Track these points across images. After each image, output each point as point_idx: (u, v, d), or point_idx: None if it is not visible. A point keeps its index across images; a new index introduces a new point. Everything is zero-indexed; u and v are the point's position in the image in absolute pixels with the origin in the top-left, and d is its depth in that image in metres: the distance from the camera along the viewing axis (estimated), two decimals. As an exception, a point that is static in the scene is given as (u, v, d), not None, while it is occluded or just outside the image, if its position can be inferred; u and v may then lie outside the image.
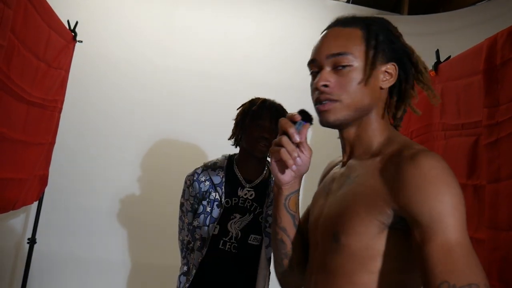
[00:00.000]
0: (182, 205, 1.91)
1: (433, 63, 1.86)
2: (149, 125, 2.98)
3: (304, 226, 1.06)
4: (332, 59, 0.89)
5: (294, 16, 3.37)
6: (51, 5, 1.98)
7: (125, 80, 2.98)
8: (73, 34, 2.40)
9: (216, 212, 1.76)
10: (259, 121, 1.75)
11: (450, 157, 1.68)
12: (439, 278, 0.70)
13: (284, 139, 0.89)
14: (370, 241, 0.80)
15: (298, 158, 0.90)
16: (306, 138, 0.91)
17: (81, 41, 2.47)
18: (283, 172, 0.95)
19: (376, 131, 0.93)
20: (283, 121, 0.92)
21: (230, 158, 1.89)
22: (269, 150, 1.60)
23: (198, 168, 1.86)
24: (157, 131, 2.99)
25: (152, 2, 3.12)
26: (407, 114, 2.02)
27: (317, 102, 0.91)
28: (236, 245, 1.74)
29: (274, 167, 0.95)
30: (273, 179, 1.01)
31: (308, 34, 3.31)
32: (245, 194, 1.78)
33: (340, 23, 0.93)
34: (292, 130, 0.89)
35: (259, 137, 1.73)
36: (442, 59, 1.85)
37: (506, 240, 1.31)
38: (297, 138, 0.89)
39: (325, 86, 0.88)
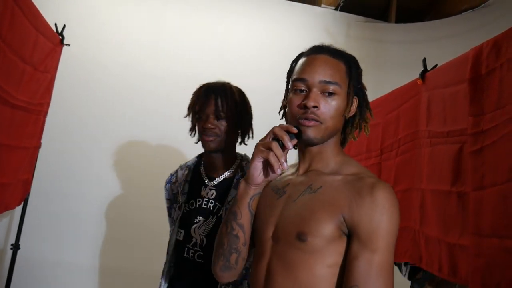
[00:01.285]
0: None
1: (419, 71, 1.88)
2: (137, 128, 2.97)
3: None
4: (323, 85, 1.03)
5: (284, 22, 3.39)
6: (38, 8, 1.96)
7: (114, 83, 2.96)
8: (60, 37, 2.38)
9: (177, 215, 1.63)
10: (199, 113, 1.59)
11: (435, 164, 1.70)
12: (354, 281, 0.91)
13: (275, 144, 1.00)
14: (330, 242, 0.96)
15: (285, 163, 1.00)
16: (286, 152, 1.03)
17: (69, 45, 2.44)
18: (260, 173, 1.06)
19: (334, 151, 1.09)
20: (277, 128, 1.03)
21: (201, 155, 1.74)
22: (218, 141, 1.53)
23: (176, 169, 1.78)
24: (145, 134, 2.98)
25: (141, 5, 3.12)
26: (395, 122, 2.06)
27: (303, 118, 1.03)
28: (201, 253, 1.54)
29: (255, 167, 1.05)
30: (239, 175, 1.17)
31: (297, 40, 3.37)
32: (207, 194, 1.60)
33: (327, 52, 1.08)
34: (287, 137, 1.00)
35: (202, 130, 1.58)
36: (428, 67, 1.87)
37: (489, 247, 1.33)
38: (290, 146, 1.00)
39: (315, 107, 1.01)
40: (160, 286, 1.66)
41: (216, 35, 3.24)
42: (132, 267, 2.84)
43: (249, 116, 1.68)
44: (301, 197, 1.04)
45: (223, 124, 1.56)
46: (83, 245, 2.80)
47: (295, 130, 1.02)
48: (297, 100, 1.04)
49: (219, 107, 1.55)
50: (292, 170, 1.17)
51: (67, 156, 2.83)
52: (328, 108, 1.02)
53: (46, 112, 2.38)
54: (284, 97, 1.16)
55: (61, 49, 2.42)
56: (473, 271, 1.39)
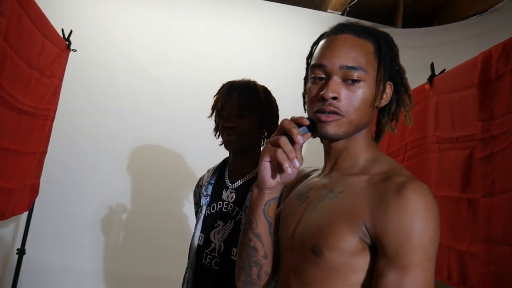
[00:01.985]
0: None
1: (427, 76, 1.86)
2: (143, 134, 2.97)
3: (275, 233, 1.02)
4: (346, 71, 0.85)
5: (289, 27, 3.38)
6: (45, 13, 1.97)
7: (119, 88, 2.96)
8: (67, 42, 2.39)
9: (198, 218, 1.58)
10: (220, 111, 1.52)
11: (444, 170, 1.68)
12: None
13: (283, 139, 0.85)
14: (351, 257, 0.80)
15: (295, 160, 0.83)
16: (301, 148, 0.87)
17: (75, 50, 2.45)
18: (272, 174, 0.90)
19: (363, 147, 0.92)
20: (285, 121, 0.87)
21: (227, 158, 1.67)
22: (239, 140, 1.46)
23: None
24: (150, 140, 2.98)
25: (147, 11, 3.12)
26: (401, 127, 2.04)
27: (320, 111, 0.86)
28: (218, 260, 1.46)
29: (263, 168, 0.90)
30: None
31: (303, 45, 3.34)
32: (228, 197, 1.54)
33: (351, 31, 0.89)
34: (296, 131, 0.84)
35: (222, 128, 1.51)
36: (436, 72, 1.86)
37: (500, 255, 1.31)
38: (300, 140, 0.84)
39: (334, 98, 0.85)
40: None
41: (222, 41, 3.23)
42: (139, 273, 2.82)
43: (275, 115, 1.59)
44: (322, 203, 0.89)
45: (245, 123, 1.48)
46: (89, 251, 2.79)
47: (306, 122, 0.87)
48: (315, 90, 0.88)
49: (241, 104, 1.48)
50: (319, 171, 1.02)
51: (72, 161, 2.83)
52: (352, 98, 0.85)
53: (53, 118, 2.39)
54: (304, 87, 0.99)
55: (68, 55, 2.43)
56: (484, 279, 1.36)
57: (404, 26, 3.57)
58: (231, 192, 1.54)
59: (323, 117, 0.86)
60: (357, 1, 3.34)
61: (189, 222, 2.86)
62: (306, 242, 0.86)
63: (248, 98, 1.50)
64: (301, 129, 0.86)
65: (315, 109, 0.87)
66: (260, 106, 1.53)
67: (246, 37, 3.30)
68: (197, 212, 1.72)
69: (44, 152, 2.36)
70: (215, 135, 1.65)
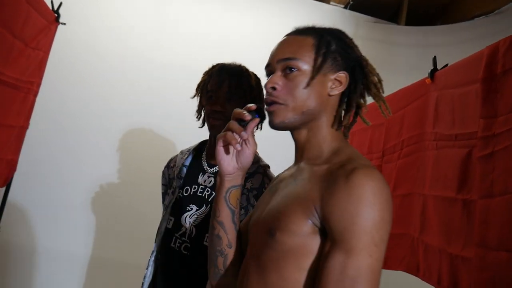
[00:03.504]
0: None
1: (429, 72, 1.78)
2: (131, 119, 2.88)
3: (244, 229, 1.05)
4: (282, 63, 0.93)
5: (291, 17, 3.28)
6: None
7: (109, 71, 2.87)
8: (56, 15, 2.28)
9: (169, 200, 1.53)
10: (209, 92, 1.49)
11: (440, 169, 1.60)
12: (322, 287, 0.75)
13: (232, 122, 0.93)
14: (303, 240, 0.82)
15: (244, 133, 0.91)
16: (252, 132, 0.95)
17: (65, 24, 2.34)
18: (228, 160, 0.96)
19: (326, 138, 0.95)
20: (236, 109, 0.96)
21: (204, 141, 1.64)
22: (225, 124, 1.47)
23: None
24: (140, 125, 2.89)
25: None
26: (399, 123, 1.95)
27: (266, 103, 0.94)
28: (188, 245, 1.43)
29: (218, 153, 0.96)
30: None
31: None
32: (205, 181, 1.49)
33: (294, 32, 0.98)
34: (242, 113, 0.93)
35: (209, 111, 1.47)
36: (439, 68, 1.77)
37: (495, 260, 1.23)
38: (247, 116, 0.92)
39: (273, 88, 0.92)
40: (145, 277, 1.55)
41: (220, 29, 3.14)
42: (118, 258, 2.74)
43: (263, 104, 1.56)
44: (285, 190, 0.93)
45: (234, 108, 1.44)
46: (67, 233, 2.70)
47: (253, 107, 0.94)
48: None
49: (232, 89, 1.45)
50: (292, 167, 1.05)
51: (55, 142, 2.73)
52: (290, 86, 0.91)
53: (37, 92, 2.28)
54: None
55: (56, 28, 2.32)
56: (476, 285, 1.28)
57: (407, 24, 3.49)
58: (209, 177, 1.50)
59: (267, 108, 0.94)
60: (361, -5, 3.26)
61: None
62: (265, 225, 0.89)
63: (239, 83, 1.47)
64: (250, 113, 0.94)
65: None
66: (249, 93, 1.49)
67: (246, 27, 3.21)
68: (164, 194, 1.65)
69: (24, 127, 2.25)
70: (197, 117, 1.58)
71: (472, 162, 1.42)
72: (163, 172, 1.67)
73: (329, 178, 0.83)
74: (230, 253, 1.00)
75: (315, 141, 0.95)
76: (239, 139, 0.93)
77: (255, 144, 0.96)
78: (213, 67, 1.55)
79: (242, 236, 1.04)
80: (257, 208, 1.04)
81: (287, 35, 0.99)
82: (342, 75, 0.94)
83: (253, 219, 1.00)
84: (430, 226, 1.61)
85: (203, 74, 1.57)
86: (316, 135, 0.95)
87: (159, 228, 1.54)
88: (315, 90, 0.92)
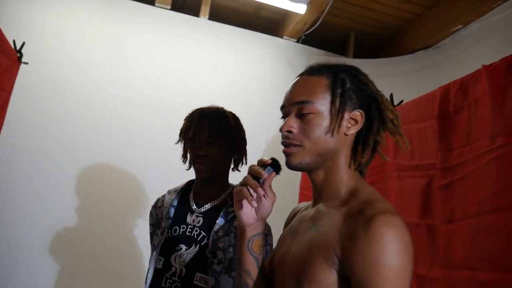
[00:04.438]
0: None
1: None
2: (95, 153, 2.84)
3: (268, 267, 1.07)
4: (297, 106, 0.94)
5: (247, 52, 3.43)
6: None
7: (73, 105, 2.83)
8: (18, 54, 2.25)
9: (159, 241, 1.55)
10: (192, 138, 1.55)
11: (403, 197, 1.75)
12: None
13: (248, 177, 0.94)
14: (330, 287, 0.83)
15: (260, 190, 0.92)
16: (270, 185, 0.95)
17: (27, 63, 2.32)
18: (247, 212, 0.97)
19: (343, 178, 0.95)
20: (251, 165, 0.96)
21: (191, 181, 1.68)
22: (211, 168, 1.49)
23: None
24: (103, 160, 2.85)
25: (105, 29, 3.04)
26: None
27: (283, 145, 0.96)
28: (179, 284, 1.45)
29: (237, 207, 0.98)
30: (228, 204, 1.17)
31: (259, 70, 3.42)
32: (193, 221, 1.53)
33: (308, 72, 0.98)
34: (257, 168, 0.94)
35: (194, 157, 1.53)
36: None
37: (460, 279, 1.37)
38: (264, 174, 0.93)
39: (289, 132, 0.94)
40: None
41: (180, 62, 3.20)
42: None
43: (244, 141, 1.64)
44: (305, 236, 0.94)
45: (216, 151, 1.51)
46: (26, 277, 2.59)
47: (268, 161, 0.96)
48: None
49: (212, 132, 1.51)
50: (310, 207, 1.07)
51: (17, 183, 2.64)
52: (305, 129, 0.92)
53: (-2, 133, 2.22)
54: None
55: (19, 67, 2.29)
56: (445, 303, 1.42)
57: (355, 57, 3.74)
58: (197, 216, 1.54)
59: (285, 150, 0.95)
60: (311, 30, 3.46)
61: (139, 245, 2.75)
62: (291, 274, 0.91)
63: (219, 125, 1.53)
64: (266, 169, 0.95)
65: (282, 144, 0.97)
66: (230, 133, 1.55)
67: (204, 59, 3.30)
68: (152, 234, 1.68)
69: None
70: (183, 161, 1.65)
71: (433, 190, 1.59)
72: (151, 212, 1.69)
73: (348, 224, 0.84)
74: None
75: (333, 181, 0.95)
76: (255, 195, 0.94)
77: (274, 195, 0.97)
78: (193, 112, 1.61)
79: (267, 275, 1.05)
80: (280, 247, 1.05)
81: (301, 74, 1.00)
82: (358, 114, 0.94)
83: (277, 259, 1.03)
84: (397, 249, 1.74)
85: (184, 119, 1.63)
86: (333, 175, 0.95)
87: (148, 269, 1.55)
88: (328, 132, 0.93)
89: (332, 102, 0.93)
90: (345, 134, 0.95)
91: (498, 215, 1.26)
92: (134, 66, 3.05)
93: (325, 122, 0.92)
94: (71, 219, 2.72)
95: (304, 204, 1.16)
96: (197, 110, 1.61)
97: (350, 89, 0.95)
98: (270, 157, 0.97)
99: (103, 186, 2.81)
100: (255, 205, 0.95)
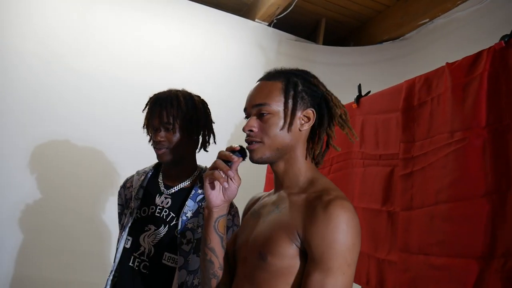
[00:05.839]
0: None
1: (345, 92, 1.99)
2: (59, 127, 2.76)
3: (230, 248, 1.18)
4: (257, 108, 1.07)
5: (218, 33, 3.40)
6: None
7: (34, 78, 2.73)
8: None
9: (127, 221, 1.57)
10: (149, 126, 1.58)
11: (367, 184, 1.83)
12: None
13: (218, 160, 1.07)
14: (290, 261, 0.97)
15: (231, 172, 1.05)
16: (236, 169, 1.08)
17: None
18: (215, 194, 1.10)
19: (301, 169, 1.09)
20: (221, 151, 1.09)
21: (160, 162, 1.67)
22: (169, 152, 1.52)
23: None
24: (69, 137, 2.78)
25: (70, 1, 2.93)
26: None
27: (246, 142, 1.09)
28: (147, 263, 1.49)
29: (207, 189, 1.09)
30: (197, 186, 1.29)
31: (230, 51, 3.42)
32: (162, 202, 1.56)
33: (266, 77, 1.13)
34: (227, 153, 1.07)
35: (153, 142, 1.56)
36: (352, 92, 2.00)
37: (416, 263, 1.47)
38: (234, 158, 1.06)
39: (251, 130, 1.07)
40: None
41: (150, 39, 3.14)
42: (52, 277, 2.63)
43: (204, 121, 1.62)
44: (269, 217, 1.07)
45: (171, 136, 1.52)
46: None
47: (237, 147, 1.09)
48: None
49: (164, 118, 1.51)
50: (272, 193, 1.20)
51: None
52: (264, 127, 1.06)
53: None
54: None
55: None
56: (400, 285, 1.52)
57: (324, 43, 3.79)
58: (165, 198, 1.57)
59: (248, 147, 1.08)
60: (284, 15, 3.48)
61: (107, 224, 2.74)
62: (255, 250, 1.03)
63: (170, 111, 1.53)
64: (234, 154, 1.07)
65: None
66: (183, 117, 1.54)
67: (176, 38, 3.25)
68: (120, 214, 1.70)
69: None
70: (152, 145, 1.63)
71: (394, 179, 1.67)
72: (119, 193, 1.69)
73: (308, 207, 0.99)
74: (221, 274, 1.14)
75: (292, 172, 1.10)
76: (225, 177, 1.07)
77: (239, 179, 1.10)
78: (150, 99, 1.60)
79: (229, 256, 1.17)
80: (242, 230, 1.18)
81: (260, 80, 1.14)
82: (310, 112, 1.08)
83: (240, 241, 1.15)
84: (358, 234, 1.84)
85: (144, 107, 1.62)
86: (292, 166, 1.09)
87: (117, 248, 1.57)
88: (283, 129, 1.07)
89: (285, 103, 1.06)
90: (300, 130, 1.08)
91: (452, 204, 1.36)
92: (100, 41, 2.95)
93: (281, 121, 1.06)
94: (33, 196, 2.66)
95: (260, 194, 1.30)
96: (153, 96, 1.61)
97: (302, 90, 1.08)
98: (238, 145, 1.10)
99: (73, 165, 2.76)
100: (227, 185, 1.07)
